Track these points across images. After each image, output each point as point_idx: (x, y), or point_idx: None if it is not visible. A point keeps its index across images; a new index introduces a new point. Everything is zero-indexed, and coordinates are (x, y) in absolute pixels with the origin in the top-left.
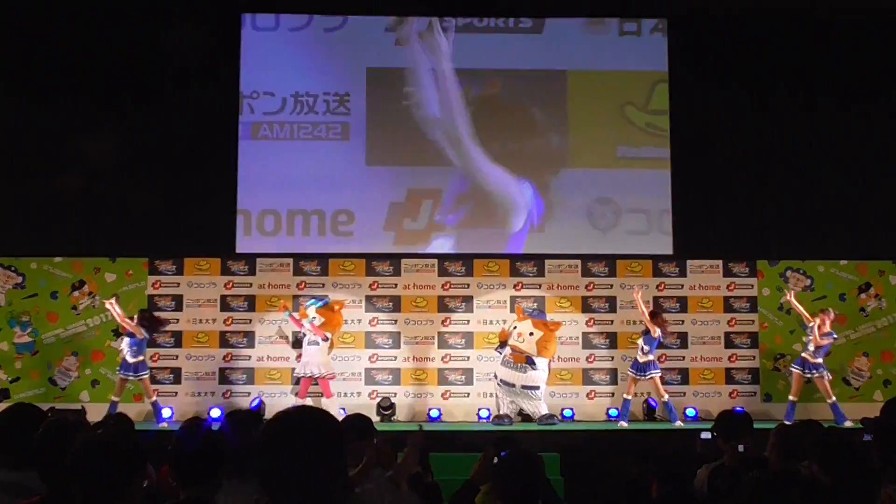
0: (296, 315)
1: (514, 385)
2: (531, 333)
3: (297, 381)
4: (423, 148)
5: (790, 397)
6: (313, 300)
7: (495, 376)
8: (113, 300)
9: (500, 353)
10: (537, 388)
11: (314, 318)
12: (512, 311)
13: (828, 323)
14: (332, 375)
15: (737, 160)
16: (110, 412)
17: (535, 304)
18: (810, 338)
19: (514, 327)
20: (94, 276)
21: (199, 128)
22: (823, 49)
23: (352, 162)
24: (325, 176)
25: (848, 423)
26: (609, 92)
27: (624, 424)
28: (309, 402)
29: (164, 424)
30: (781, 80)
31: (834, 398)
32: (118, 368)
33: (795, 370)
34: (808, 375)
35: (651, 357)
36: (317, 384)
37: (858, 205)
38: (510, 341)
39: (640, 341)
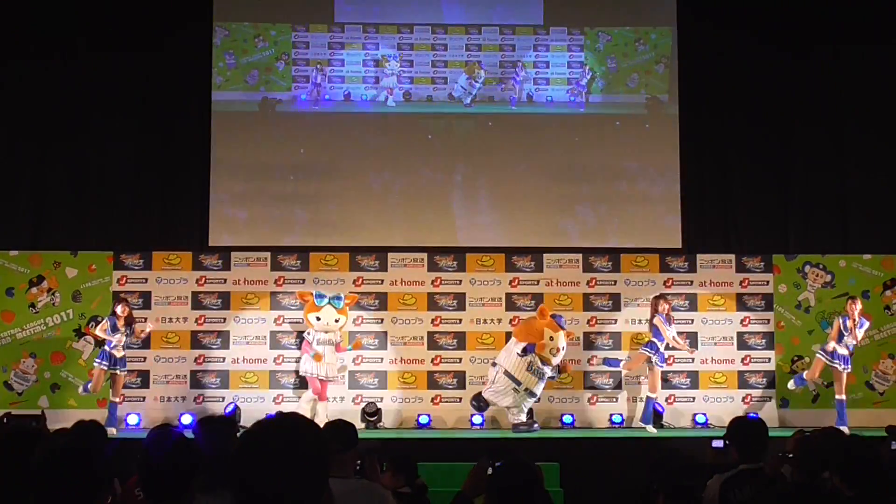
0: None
1: (536, 395)
2: (564, 347)
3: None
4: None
5: (837, 396)
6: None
7: (514, 380)
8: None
9: (524, 357)
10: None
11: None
12: (510, 308)
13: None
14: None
15: (752, 144)
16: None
17: (533, 302)
18: (848, 335)
19: (551, 338)
20: (54, 270)
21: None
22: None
23: None
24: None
25: (844, 429)
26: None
27: (651, 429)
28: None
29: (113, 430)
30: (803, 45)
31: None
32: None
33: (825, 359)
34: (843, 369)
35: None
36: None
37: (884, 192)
38: (544, 353)
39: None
